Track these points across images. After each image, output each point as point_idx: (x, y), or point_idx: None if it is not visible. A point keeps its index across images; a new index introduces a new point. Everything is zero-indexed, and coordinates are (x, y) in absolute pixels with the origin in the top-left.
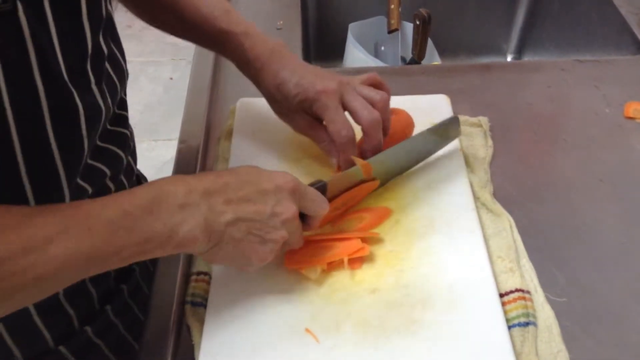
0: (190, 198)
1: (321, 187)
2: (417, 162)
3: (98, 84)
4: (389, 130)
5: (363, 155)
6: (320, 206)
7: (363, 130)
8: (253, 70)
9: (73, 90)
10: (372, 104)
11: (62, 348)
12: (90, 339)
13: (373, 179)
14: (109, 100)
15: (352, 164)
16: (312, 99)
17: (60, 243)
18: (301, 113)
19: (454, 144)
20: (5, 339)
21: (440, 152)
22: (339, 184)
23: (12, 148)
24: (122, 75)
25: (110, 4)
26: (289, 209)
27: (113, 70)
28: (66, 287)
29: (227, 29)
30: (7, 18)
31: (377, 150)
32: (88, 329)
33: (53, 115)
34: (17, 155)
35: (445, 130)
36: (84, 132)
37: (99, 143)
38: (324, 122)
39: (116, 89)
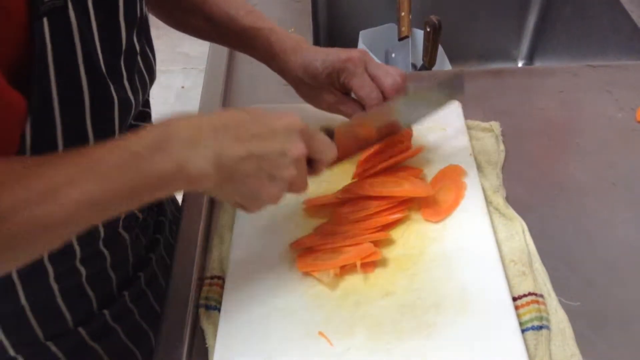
0: (200, 134)
1: (329, 132)
2: (423, 113)
3: (130, 79)
4: None
5: None
6: (327, 150)
7: (385, 96)
8: (279, 62)
9: (110, 83)
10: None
11: (80, 329)
12: (108, 323)
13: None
14: (139, 96)
15: None
16: (339, 69)
17: (67, 192)
18: (328, 90)
19: (466, 149)
20: (29, 319)
21: (452, 157)
22: (347, 132)
23: (54, 133)
24: (152, 73)
25: (145, 6)
26: (298, 147)
27: (144, 68)
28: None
29: (254, 25)
30: (59, 13)
31: None
32: (106, 312)
33: (92, 105)
34: (58, 139)
35: (447, 85)
36: (117, 123)
37: None
38: (353, 90)
39: (145, 86)
